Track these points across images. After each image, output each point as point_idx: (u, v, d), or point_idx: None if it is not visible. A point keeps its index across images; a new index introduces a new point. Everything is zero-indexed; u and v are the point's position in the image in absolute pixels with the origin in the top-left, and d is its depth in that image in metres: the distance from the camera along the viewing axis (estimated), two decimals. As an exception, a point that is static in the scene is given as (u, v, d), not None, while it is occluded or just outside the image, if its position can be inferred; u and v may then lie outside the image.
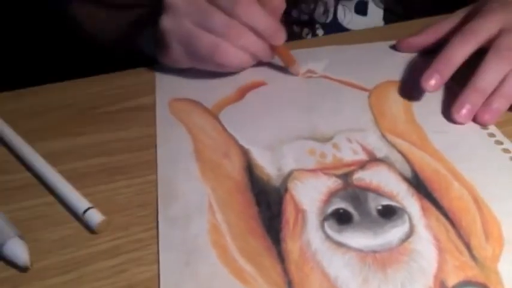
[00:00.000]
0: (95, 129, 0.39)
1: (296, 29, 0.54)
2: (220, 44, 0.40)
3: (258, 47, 0.42)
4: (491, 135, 0.37)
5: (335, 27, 0.54)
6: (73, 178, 0.34)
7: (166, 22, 0.40)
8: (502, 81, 0.38)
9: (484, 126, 0.38)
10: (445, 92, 0.42)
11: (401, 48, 0.47)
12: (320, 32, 0.55)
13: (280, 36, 0.42)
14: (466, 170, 0.34)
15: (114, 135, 0.39)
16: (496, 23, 0.40)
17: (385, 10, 0.55)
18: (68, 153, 0.37)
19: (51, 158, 0.36)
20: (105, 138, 0.38)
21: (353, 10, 0.55)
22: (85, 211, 0.31)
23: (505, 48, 0.38)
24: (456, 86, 0.41)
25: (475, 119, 0.38)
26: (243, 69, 0.44)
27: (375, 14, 0.55)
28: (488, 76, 0.38)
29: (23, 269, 0.29)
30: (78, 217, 0.32)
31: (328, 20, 0.54)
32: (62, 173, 0.35)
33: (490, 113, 0.38)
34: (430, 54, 0.46)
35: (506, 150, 0.36)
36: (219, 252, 0.29)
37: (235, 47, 0.41)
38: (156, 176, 0.35)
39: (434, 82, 0.39)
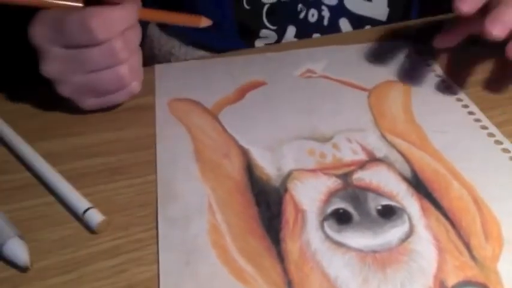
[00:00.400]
0: (95, 129, 0.39)
1: (302, 8, 0.54)
2: (120, 70, 0.38)
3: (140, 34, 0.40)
4: (491, 135, 0.37)
5: (340, 11, 0.54)
6: (73, 178, 0.34)
7: (62, 88, 0.38)
8: None
9: (492, 38, 0.35)
10: (444, 92, 0.42)
11: (440, 44, 0.44)
12: (326, 13, 0.54)
13: (135, 15, 0.39)
14: (466, 170, 0.34)
15: (114, 135, 0.39)
16: None
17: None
18: (68, 153, 0.37)
19: (51, 158, 0.36)
20: (105, 138, 0.38)
21: None
22: (85, 211, 0.31)
23: None
24: (453, 83, 0.41)
25: (485, 30, 0.35)
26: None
27: (380, 1, 0.55)
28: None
29: (23, 269, 0.29)
30: (78, 217, 0.32)
31: (334, 3, 0.54)
32: (62, 173, 0.35)
33: (501, 24, 0.35)
34: (430, 54, 0.47)
35: (505, 150, 0.36)
36: (218, 252, 0.29)
37: (129, 63, 0.39)
38: (156, 176, 0.35)
39: (499, 29, 0.35)
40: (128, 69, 0.38)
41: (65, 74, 0.37)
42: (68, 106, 0.41)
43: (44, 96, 0.42)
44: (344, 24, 0.56)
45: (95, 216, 0.31)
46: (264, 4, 0.53)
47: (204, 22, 0.43)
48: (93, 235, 0.31)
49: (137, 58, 0.40)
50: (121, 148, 0.37)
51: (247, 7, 0.53)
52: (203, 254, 0.29)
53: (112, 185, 0.34)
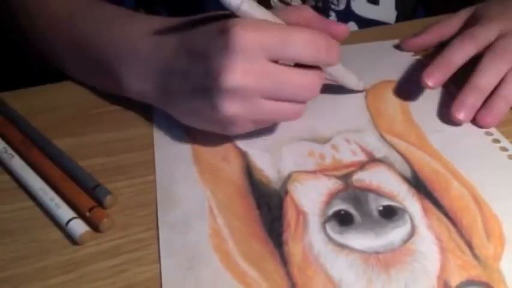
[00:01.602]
0: (95, 129, 0.39)
1: None
2: (301, 108, 0.34)
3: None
4: (489, 133, 0.37)
5: (348, 15, 0.55)
6: None
7: (234, 107, 0.32)
8: (501, 82, 0.38)
9: (485, 128, 0.38)
10: (441, 90, 0.42)
11: (405, 48, 0.48)
12: (334, 19, 0.55)
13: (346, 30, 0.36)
14: (465, 169, 0.34)
15: (114, 135, 0.38)
16: (495, 30, 0.41)
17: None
18: (68, 153, 0.37)
19: None
20: (105, 138, 0.38)
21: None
22: (68, 221, 0.31)
23: (501, 48, 0.39)
24: (452, 85, 0.42)
25: (476, 122, 0.38)
26: None
27: (387, 3, 0.55)
28: (485, 75, 0.38)
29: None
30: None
31: (342, 8, 0.54)
32: None
33: (492, 116, 0.38)
34: (425, 53, 0.47)
35: (503, 149, 0.36)
36: (221, 257, 0.29)
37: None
38: (154, 176, 0.35)
39: (434, 79, 0.39)
40: (303, 110, 0.34)
41: (254, 93, 0.32)
42: (68, 106, 0.40)
43: (44, 96, 0.42)
44: (352, 28, 0.56)
45: (78, 227, 0.30)
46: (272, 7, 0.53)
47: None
48: (93, 235, 0.31)
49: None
50: (121, 148, 0.37)
51: None
52: (205, 259, 0.29)
53: (112, 185, 0.34)
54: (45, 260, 0.29)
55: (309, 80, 0.33)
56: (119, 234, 0.31)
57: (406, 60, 0.46)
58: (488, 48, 0.40)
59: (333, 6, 0.54)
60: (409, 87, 0.42)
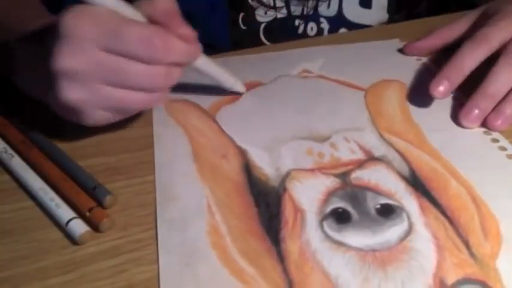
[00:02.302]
0: (95, 129, 0.38)
1: (300, 23, 0.54)
2: (150, 98, 0.35)
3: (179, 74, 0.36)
4: (488, 133, 0.37)
5: (340, 21, 0.54)
6: None
7: (70, 91, 0.32)
8: None
9: (495, 131, 0.37)
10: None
11: (409, 52, 0.46)
12: (325, 26, 0.55)
13: (197, 54, 0.37)
14: (464, 168, 0.34)
15: (114, 135, 0.39)
16: (509, 28, 0.39)
17: (390, 3, 0.55)
18: (68, 153, 0.37)
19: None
20: (105, 138, 0.38)
21: (358, 3, 0.54)
22: (68, 221, 0.31)
23: None
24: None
25: (486, 124, 0.37)
26: None
27: (380, 7, 0.55)
28: (498, 81, 0.37)
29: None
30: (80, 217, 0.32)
31: (333, 14, 0.54)
32: None
33: (503, 119, 0.37)
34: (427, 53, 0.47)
35: (502, 148, 0.36)
36: (218, 254, 0.29)
37: (166, 88, 0.36)
38: (154, 176, 0.35)
39: (443, 89, 0.38)
40: (157, 99, 0.35)
41: (92, 78, 0.32)
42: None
43: None
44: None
45: (78, 227, 0.31)
46: (261, 23, 0.53)
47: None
48: (93, 235, 0.31)
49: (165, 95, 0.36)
50: (121, 148, 0.37)
51: (243, 27, 0.53)
52: (203, 256, 0.29)
53: (112, 185, 0.34)
54: (45, 260, 0.30)
55: (150, 69, 0.33)
56: (119, 234, 0.31)
57: (405, 59, 0.47)
58: (502, 48, 0.39)
59: (324, 13, 0.53)
60: (409, 87, 0.42)
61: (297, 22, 0.54)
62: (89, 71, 0.32)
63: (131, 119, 0.40)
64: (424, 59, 0.46)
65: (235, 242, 0.30)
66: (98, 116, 0.35)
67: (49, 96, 0.34)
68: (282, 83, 0.44)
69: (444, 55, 0.46)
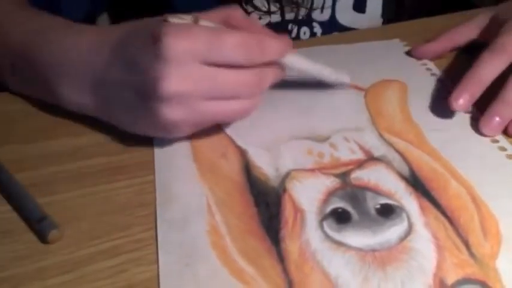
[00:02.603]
0: (95, 129, 0.38)
1: (293, 28, 0.54)
2: (245, 105, 0.34)
3: (278, 76, 0.37)
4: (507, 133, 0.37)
5: (333, 26, 0.54)
6: (73, 178, 0.35)
7: (173, 113, 0.32)
8: None
9: (488, 136, 0.37)
10: (440, 90, 0.42)
11: (417, 55, 0.46)
12: (318, 30, 0.55)
13: (289, 48, 0.37)
14: (464, 168, 0.34)
15: (114, 135, 0.38)
16: None
17: (384, 7, 0.55)
18: (68, 153, 0.37)
19: (51, 158, 0.36)
20: (105, 138, 0.38)
21: (351, 8, 0.54)
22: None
23: None
24: (449, 82, 0.42)
25: (507, 132, 0.37)
26: None
27: (373, 12, 0.55)
28: (486, 66, 0.37)
29: None
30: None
31: (326, 19, 0.54)
32: (62, 173, 0.35)
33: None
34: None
35: (502, 148, 0.36)
36: (218, 253, 0.29)
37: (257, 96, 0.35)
38: (154, 176, 0.35)
39: (463, 102, 0.38)
40: (253, 105, 0.35)
41: (195, 96, 0.32)
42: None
43: None
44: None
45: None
46: None
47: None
48: (93, 235, 0.31)
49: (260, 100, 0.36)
50: (121, 148, 0.37)
51: None
52: (203, 255, 0.29)
53: (112, 185, 0.34)
54: (45, 260, 0.29)
55: (246, 76, 0.33)
56: (119, 234, 0.31)
57: (405, 59, 0.47)
58: None
59: (317, 17, 0.53)
60: (408, 87, 0.42)
61: (290, 26, 0.54)
62: (194, 90, 0.32)
63: None
64: (425, 60, 0.46)
65: (235, 241, 0.30)
66: (193, 129, 0.35)
67: (138, 118, 0.34)
68: (281, 83, 0.44)
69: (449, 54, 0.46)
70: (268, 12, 0.53)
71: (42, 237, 0.30)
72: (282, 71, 0.37)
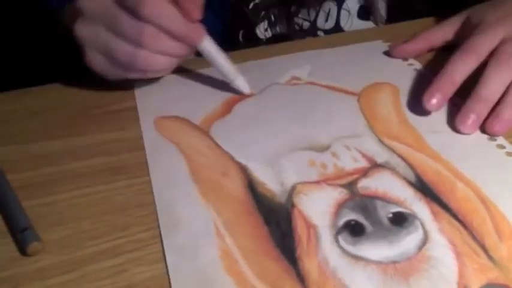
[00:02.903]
0: (95, 129, 0.39)
1: (299, 37, 0.53)
2: (137, 53, 0.38)
3: (177, 49, 0.40)
4: (485, 131, 0.38)
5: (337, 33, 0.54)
6: (73, 178, 0.35)
7: (82, 29, 0.38)
8: (507, 90, 0.37)
9: (493, 136, 0.37)
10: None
11: (394, 54, 0.47)
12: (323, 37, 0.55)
13: (197, 35, 0.40)
14: (466, 169, 0.34)
15: (114, 135, 0.39)
16: (497, 36, 0.40)
17: (388, 15, 0.56)
18: (68, 153, 0.37)
19: (51, 158, 0.36)
20: (105, 138, 0.38)
21: (356, 15, 0.54)
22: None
23: (506, 54, 0.38)
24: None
25: (484, 130, 0.37)
26: (168, 72, 0.43)
27: (378, 19, 0.55)
28: (491, 84, 0.37)
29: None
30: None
31: (331, 27, 0.54)
32: (62, 173, 0.35)
33: (501, 123, 0.37)
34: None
35: (500, 146, 0.36)
36: (235, 279, 0.28)
37: (153, 52, 0.39)
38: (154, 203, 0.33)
39: (436, 101, 0.38)
40: (145, 59, 0.38)
41: (95, 16, 0.38)
42: (68, 106, 0.41)
43: (44, 96, 0.43)
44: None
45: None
46: (261, 39, 0.52)
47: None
48: (93, 235, 0.31)
49: (166, 60, 0.40)
50: (121, 148, 0.37)
51: (242, 42, 0.53)
52: (219, 283, 0.28)
53: (112, 185, 0.34)
54: (45, 260, 0.29)
55: (138, 25, 0.37)
56: (119, 234, 0.31)
57: (391, 60, 0.47)
58: (491, 55, 0.39)
59: (321, 26, 0.53)
60: (399, 89, 0.42)
61: (295, 38, 0.53)
62: (96, 13, 0.38)
63: (131, 119, 0.40)
64: (411, 60, 0.46)
65: (251, 265, 0.29)
66: (97, 59, 0.39)
67: None
68: (273, 92, 0.43)
69: (432, 55, 0.46)
70: (275, 25, 0.52)
71: (23, 249, 0.30)
72: (189, 50, 0.40)
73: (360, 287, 0.27)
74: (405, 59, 0.47)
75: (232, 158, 0.36)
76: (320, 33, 0.54)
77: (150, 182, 0.34)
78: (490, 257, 0.29)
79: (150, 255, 0.29)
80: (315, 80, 0.44)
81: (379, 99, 0.41)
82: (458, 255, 0.29)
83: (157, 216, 0.31)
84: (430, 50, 0.47)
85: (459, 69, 0.39)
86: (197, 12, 0.38)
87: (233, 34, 0.53)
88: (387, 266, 0.28)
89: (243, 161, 0.36)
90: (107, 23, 0.37)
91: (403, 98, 0.42)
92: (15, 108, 0.42)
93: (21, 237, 0.30)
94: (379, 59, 0.47)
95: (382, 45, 0.49)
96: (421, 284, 0.27)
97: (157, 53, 0.39)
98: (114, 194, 0.34)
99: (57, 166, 0.36)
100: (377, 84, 0.43)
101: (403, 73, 0.45)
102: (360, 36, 0.51)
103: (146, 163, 0.36)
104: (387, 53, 0.47)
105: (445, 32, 0.46)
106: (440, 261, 0.28)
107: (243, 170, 0.35)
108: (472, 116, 0.37)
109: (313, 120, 0.39)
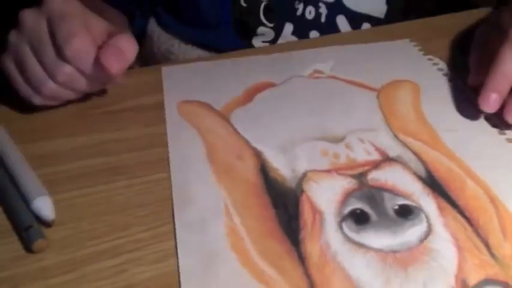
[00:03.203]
0: (94, 129, 0.39)
1: (299, 6, 0.54)
2: (47, 83, 0.38)
3: (85, 87, 0.40)
4: (502, 133, 0.37)
5: (338, 8, 0.54)
6: (73, 178, 0.35)
7: (13, 36, 0.39)
8: None
9: None
10: (453, 90, 0.42)
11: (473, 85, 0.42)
12: (323, 10, 0.55)
13: (112, 80, 0.40)
14: (479, 168, 0.34)
15: (114, 135, 0.39)
16: None
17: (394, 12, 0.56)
18: (68, 153, 0.37)
19: (51, 158, 0.36)
20: (105, 138, 0.38)
21: None
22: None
23: None
24: (461, 82, 0.42)
25: (506, 119, 0.37)
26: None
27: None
28: (508, 61, 0.36)
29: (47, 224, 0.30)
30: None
31: (332, 0, 0.54)
32: (62, 173, 0.35)
33: None
34: (436, 53, 0.47)
35: (518, 148, 0.36)
36: (238, 255, 0.29)
37: (61, 86, 0.39)
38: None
39: (492, 101, 0.37)
40: (55, 89, 0.39)
41: (23, 44, 0.38)
42: (67, 106, 0.40)
43: None
44: (341, 21, 0.56)
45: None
46: (261, 2, 0.53)
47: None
48: (93, 235, 0.31)
49: (71, 93, 0.40)
50: (121, 148, 0.37)
51: (244, 5, 0.53)
52: (223, 257, 0.29)
53: (112, 185, 0.34)
54: (46, 260, 0.29)
55: (60, 67, 0.37)
56: (119, 234, 0.31)
57: (416, 59, 0.47)
58: (504, 33, 0.38)
59: None
60: (421, 87, 0.42)
61: (296, 4, 0.54)
62: (29, 30, 0.38)
63: (132, 119, 0.40)
64: (436, 59, 0.46)
65: (255, 243, 0.30)
66: (9, 65, 0.39)
67: None
68: (294, 84, 0.44)
69: (458, 54, 0.46)
70: None
71: (28, 246, 0.30)
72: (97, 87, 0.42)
73: (358, 272, 0.28)
74: (431, 58, 0.46)
75: (248, 143, 0.37)
76: (321, 4, 0.54)
77: (149, 182, 0.34)
78: (492, 255, 0.29)
79: (150, 255, 0.29)
80: (336, 75, 0.45)
81: (399, 96, 0.42)
82: (460, 249, 0.29)
83: (156, 215, 0.32)
84: (459, 46, 0.45)
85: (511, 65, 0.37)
86: (116, 71, 0.38)
87: None
88: (387, 255, 0.29)
89: (259, 147, 0.37)
90: (33, 44, 0.38)
91: (424, 96, 0.42)
92: (15, 108, 0.42)
93: (26, 235, 0.30)
94: (405, 57, 0.47)
95: (409, 44, 0.49)
96: (419, 274, 0.28)
97: (66, 89, 0.39)
98: (114, 194, 0.34)
99: (57, 166, 0.36)
100: (398, 81, 0.43)
101: (426, 72, 0.45)
102: (362, 36, 0.51)
103: (146, 163, 0.36)
104: (414, 53, 0.46)
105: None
106: (441, 254, 0.29)
107: (258, 155, 0.36)
108: (494, 95, 0.37)
109: (330, 112, 0.40)
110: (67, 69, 0.38)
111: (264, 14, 0.54)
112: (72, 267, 0.29)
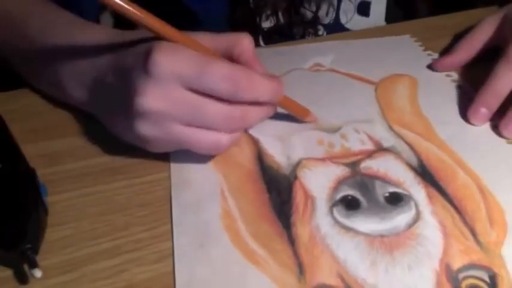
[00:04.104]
0: (95, 129, 0.38)
1: (299, 30, 0.55)
2: (222, 139, 0.33)
3: (263, 117, 0.35)
4: (495, 127, 0.38)
5: (337, 28, 0.55)
6: (73, 178, 0.35)
7: (146, 129, 0.32)
8: None
9: (509, 138, 0.37)
10: (449, 85, 0.43)
11: (437, 68, 0.45)
12: (323, 33, 0.56)
13: (280, 92, 0.35)
14: (471, 159, 0.35)
15: (114, 135, 0.37)
16: None
17: (388, 11, 0.56)
18: (68, 153, 0.37)
19: (51, 158, 0.36)
20: (105, 138, 0.37)
21: (355, 11, 0.55)
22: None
23: None
24: (458, 76, 0.42)
25: (499, 133, 0.37)
26: None
27: (377, 15, 0.56)
28: (502, 78, 0.38)
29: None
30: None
31: (330, 21, 0.55)
32: (62, 173, 0.35)
33: None
34: (435, 49, 0.48)
35: (511, 141, 0.37)
36: (231, 236, 0.30)
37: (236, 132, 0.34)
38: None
39: (481, 116, 0.38)
40: (229, 141, 0.33)
41: (171, 118, 0.32)
42: (67, 106, 0.40)
43: (44, 96, 0.42)
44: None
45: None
46: (262, 28, 0.53)
47: (310, 118, 0.39)
48: (93, 235, 0.31)
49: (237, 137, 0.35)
50: (121, 148, 0.37)
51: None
52: (216, 237, 0.30)
53: (112, 185, 0.34)
54: (45, 260, 0.29)
55: (226, 110, 0.32)
56: (119, 234, 0.31)
57: (415, 55, 0.47)
58: (501, 49, 0.39)
59: (322, 20, 0.54)
60: (418, 81, 0.43)
61: (295, 29, 0.54)
62: (170, 112, 0.32)
63: None
64: (435, 55, 0.47)
65: (248, 225, 0.31)
66: (167, 147, 0.35)
67: (118, 123, 0.35)
68: (295, 76, 0.45)
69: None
70: (276, 14, 0.53)
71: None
72: (272, 110, 0.36)
73: (346, 254, 0.29)
74: (430, 54, 0.47)
75: (246, 131, 0.38)
76: (320, 27, 0.55)
77: (149, 182, 0.34)
78: (477, 241, 0.30)
79: (150, 255, 0.30)
80: (336, 68, 0.46)
81: (396, 90, 0.42)
82: (446, 235, 0.30)
83: (158, 214, 0.32)
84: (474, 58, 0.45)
85: (505, 82, 0.38)
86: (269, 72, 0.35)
87: (234, 21, 0.53)
88: (374, 239, 0.30)
89: (256, 135, 0.38)
90: (184, 117, 0.32)
91: (421, 90, 0.42)
92: (15, 108, 0.41)
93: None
94: (404, 52, 0.48)
95: (409, 40, 0.50)
96: (405, 258, 0.29)
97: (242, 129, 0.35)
98: (114, 194, 0.34)
99: (57, 166, 0.36)
100: (396, 75, 0.44)
101: (424, 67, 0.45)
102: (363, 36, 0.51)
103: (146, 163, 0.36)
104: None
105: (484, 36, 0.44)
106: (427, 239, 0.30)
107: (255, 142, 0.37)
108: (483, 110, 0.38)
109: (328, 103, 0.41)
110: (240, 110, 0.33)
111: (264, 40, 0.54)
112: (72, 267, 0.29)
